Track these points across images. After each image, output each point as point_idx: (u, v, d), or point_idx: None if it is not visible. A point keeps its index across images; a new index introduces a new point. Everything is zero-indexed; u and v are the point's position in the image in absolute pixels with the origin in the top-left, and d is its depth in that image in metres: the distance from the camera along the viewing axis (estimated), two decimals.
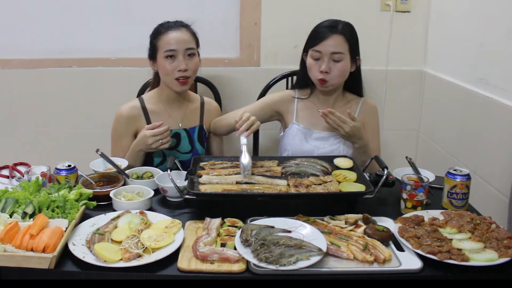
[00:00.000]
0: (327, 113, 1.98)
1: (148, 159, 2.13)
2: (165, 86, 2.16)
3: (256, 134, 2.68)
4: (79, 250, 1.40)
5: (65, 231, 1.44)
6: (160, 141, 2.01)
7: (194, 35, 2.14)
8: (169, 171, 1.68)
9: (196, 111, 2.27)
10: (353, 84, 2.20)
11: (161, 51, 2.07)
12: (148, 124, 2.12)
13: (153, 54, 2.12)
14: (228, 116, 2.22)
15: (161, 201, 1.78)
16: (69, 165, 1.80)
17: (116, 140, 2.17)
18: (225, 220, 1.58)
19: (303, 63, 2.18)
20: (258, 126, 1.92)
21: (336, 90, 2.17)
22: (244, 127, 1.88)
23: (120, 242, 1.43)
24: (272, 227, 1.49)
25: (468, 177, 1.71)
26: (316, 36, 2.07)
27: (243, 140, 1.86)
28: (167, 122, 2.15)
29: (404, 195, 1.70)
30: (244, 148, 1.82)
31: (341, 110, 2.05)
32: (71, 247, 1.40)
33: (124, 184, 1.82)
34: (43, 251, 1.35)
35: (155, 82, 2.25)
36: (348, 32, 2.06)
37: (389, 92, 2.80)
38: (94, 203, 1.65)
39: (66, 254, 1.39)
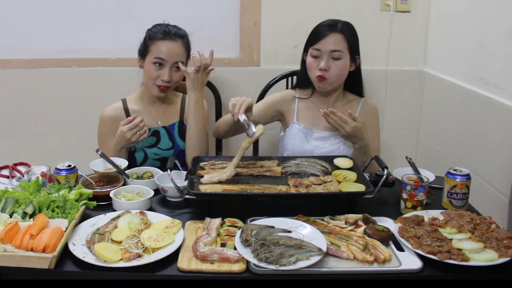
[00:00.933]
0: (328, 113, 1.98)
1: (130, 157, 2.16)
2: (145, 86, 2.22)
3: None
4: (79, 250, 1.40)
5: (65, 231, 1.44)
6: (138, 133, 2.04)
7: (187, 47, 2.18)
8: (169, 171, 1.68)
9: (176, 107, 2.29)
10: (354, 84, 2.20)
11: (151, 55, 2.12)
12: None
13: (143, 53, 2.16)
14: (225, 115, 2.21)
15: (161, 201, 1.78)
16: (69, 165, 1.80)
17: (102, 141, 2.20)
18: (225, 220, 1.58)
19: (303, 63, 2.18)
20: (250, 101, 1.92)
21: (336, 89, 2.17)
22: (237, 108, 1.88)
23: (120, 242, 1.43)
24: (272, 227, 1.49)
25: (468, 177, 1.71)
26: (316, 34, 2.08)
27: (242, 117, 1.88)
28: (147, 121, 2.17)
29: (404, 195, 1.70)
30: (246, 122, 1.86)
31: (341, 110, 2.05)
32: (71, 247, 1.40)
33: (124, 184, 1.82)
34: (43, 251, 1.35)
35: None
36: (347, 31, 2.07)
37: (389, 92, 2.80)
38: (94, 203, 1.65)
39: (66, 254, 1.39)
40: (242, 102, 1.89)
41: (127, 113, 2.20)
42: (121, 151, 2.09)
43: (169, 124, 2.25)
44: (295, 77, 2.45)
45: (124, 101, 2.24)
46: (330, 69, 2.06)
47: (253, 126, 1.87)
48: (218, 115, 2.65)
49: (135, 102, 2.24)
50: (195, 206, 1.73)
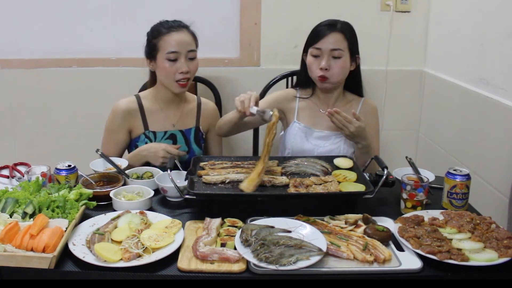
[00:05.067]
0: (332, 113, 1.97)
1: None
2: (162, 86, 2.16)
3: (256, 134, 2.69)
4: (79, 250, 1.40)
5: (65, 231, 1.44)
6: (168, 158, 1.97)
7: (194, 36, 2.15)
8: (169, 171, 1.68)
9: (192, 112, 2.26)
10: (353, 83, 2.20)
11: (162, 52, 2.06)
12: (144, 122, 2.15)
13: (152, 53, 2.11)
14: (228, 113, 2.17)
15: (161, 201, 1.78)
16: (69, 165, 1.80)
17: (109, 133, 2.16)
18: (225, 220, 1.58)
19: (303, 63, 2.18)
20: (256, 95, 1.88)
21: (336, 89, 2.18)
22: (247, 103, 1.84)
23: (120, 242, 1.43)
24: (272, 227, 1.49)
25: (468, 177, 1.71)
26: (316, 34, 2.09)
27: (254, 109, 1.83)
28: (163, 123, 2.16)
29: (404, 195, 1.70)
30: (259, 111, 1.81)
31: (342, 110, 2.05)
32: (71, 247, 1.40)
33: (124, 184, 1.82)
34: (43, 251, 1.35)
35: (151, 80, 2.24)
36: (347, 31, 2.08)
37: (389, 92, 2.80)
38: (94, 203, 1.65)
39: (66, 254, 1.40)
40: (250, 97, 1.86)
41: (141, 110, 2.15)
42: (142, 158, 2.05)
43: (186, 129, 2.21)
44: (295, 77, 2.45)
45: (138, 97, 2.19)
46: (331, 68, 2.06)
47: (268, 111, 1.81)
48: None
49: (149, 102, 2.18)
50: (195, 206, 1.73)
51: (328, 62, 2.05)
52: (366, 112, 2.20)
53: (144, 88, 2.44)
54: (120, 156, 2.16)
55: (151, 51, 2.11)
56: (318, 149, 2.15)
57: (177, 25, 2.10)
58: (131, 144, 2.18)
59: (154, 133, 2.16)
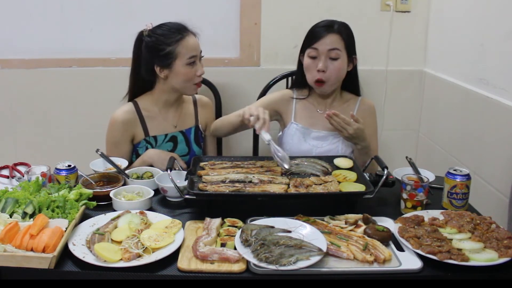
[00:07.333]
0: (331, 115, 1.97)
1: None
2: (166, 91, 2.13)
3: (256, 134, 2.68)
4: (79, 250, 1.40)
5: (65, 231, 1.44)
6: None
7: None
8: (169, 171, 1.68)
9: (190, 111, 2.27)
10: (351, 83, 2.21)
11: (182, 58, 2.03)
12: (144, 129, 2.13)
13: (167, 61, 2.04)
14: (229, 116, 2.19)
15: (161, 201, 1.78)
16: (69, 165, 1.80)
17: (113, 147, 2.13)
18: (225, 220, 1.58)
19: (300, 64, 2.19)
20: (267, 119, 1.86)
21: (333, 90, 2.18)
22: (261, 122, 1.83)
23: (120, 242, 1.43)
24: (272, 227, 1.49)
25: (468, 177, 1.71)
26: (313, 35, 2.09)
27: (267, 136, 1.81)
28: (163, 126, 2.15)
29: (404, 195, 1.70)
30: (272, 143, 1.80)
31: (339, 110, 2.06)
32: (71, 247, 1.40)
33: (124, 184, 1.82)
34: (43, 251, 1.35)
35: (141, 89, 2.19)
36: (344, 32, 2.08)
37: (389, 92, 2.80)
38: (94, 203, 1.65)
39: (66, 254, 1.40)
40: (264, 120, 1.83)
41: (140, 117, 2.13)
42: (147, 164, 2.05)
43: (186, 129, 2.21)
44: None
45: (135, 104, 2.15)
46: (328, 69, 2.06)
47: (278, 152, 1.78)
48: (218, 115, 2.65)
49: (148, 107, 2.16)
50: (195, 206, 1.73)
51: (325, 63, 2.05)
52: (364, 111, 2.20)
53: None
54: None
55: (166, 59, 2.04)
56: (316, 149, 2.15)
57: (185, 28, 2.07)
58: (132, 150, 2.17)
59: (154, 137, 2.15)
